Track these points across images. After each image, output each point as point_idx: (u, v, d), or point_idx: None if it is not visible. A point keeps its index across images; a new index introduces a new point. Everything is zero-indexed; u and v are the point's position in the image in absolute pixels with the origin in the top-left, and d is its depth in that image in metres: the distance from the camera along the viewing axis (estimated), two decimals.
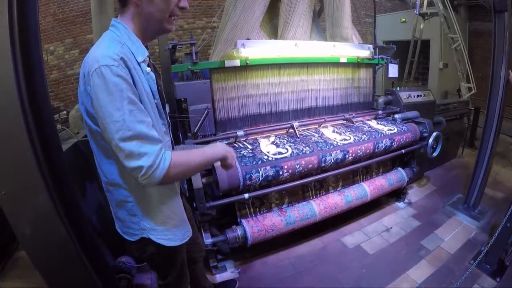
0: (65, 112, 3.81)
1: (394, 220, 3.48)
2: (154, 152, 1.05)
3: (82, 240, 1.13)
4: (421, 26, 7.77)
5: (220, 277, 2.62)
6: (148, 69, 1.22)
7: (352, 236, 3.19)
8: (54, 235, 1.04)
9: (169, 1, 1.15)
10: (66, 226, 1.04)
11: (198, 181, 2.16)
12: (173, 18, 1.21)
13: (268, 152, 2.51)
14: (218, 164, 2.27)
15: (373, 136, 3.05)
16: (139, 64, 1.16)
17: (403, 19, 8.59)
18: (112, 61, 1.01)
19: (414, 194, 4.11)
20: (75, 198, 1.16)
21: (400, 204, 3.81)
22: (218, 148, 1.36)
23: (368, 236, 3.19)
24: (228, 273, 2.67)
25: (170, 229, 1.38)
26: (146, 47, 1.27)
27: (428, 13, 7.51)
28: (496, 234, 2.56)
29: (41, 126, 0.98)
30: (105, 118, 1.02)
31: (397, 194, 3.85)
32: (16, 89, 0.88)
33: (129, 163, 1.04)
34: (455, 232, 3.27)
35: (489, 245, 2.53)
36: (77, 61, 6.90)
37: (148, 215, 1.32)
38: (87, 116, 1.14)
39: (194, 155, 1.25)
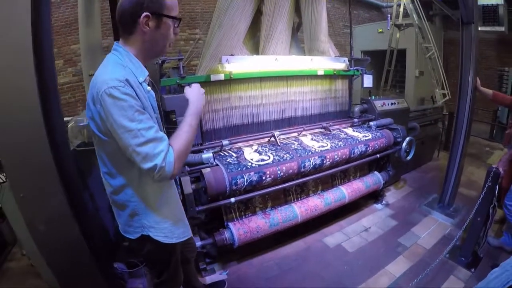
0: None
1: (373, 221, 3.66)
2: (164, 150, 1.23)
3: (92, 239, 1.28)
4: (397, 36, 8.06)
5: (209, 279, 2.70)
6: (149, 88, 1.40)
7: (333, 236, 3.35)
8: (68, 233, 1.19)
9: (170, 29, 1.35)
10: (79, 225, 1.18)
11: (188, 187, 2.31)
12: (169, 44, 1.41)
13: (252, 159, 2.68)
14: (206, 170, 2.46)
15: (349, 143, 3.25)
16: (140, 84, 1.32)
17: (380, 30, 8.82)
18: (119, 82, 1.18)
19: (392, 196, 4.31)
20: (85, 201, 1.30)
21: (378, 206, 4.00)
22: (196, 109, 1.47)
23: (348, 236, 3.36)
24: (217, 274, 2.77)
25: (167, 227, 1.53)
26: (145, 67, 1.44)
27: (404, 24, 7.79)
28: (464, 227, 2.77)
29: (55, 134, 1.14)
30: (120, 129, 1.19)
31: (375, 196, 4.05)
32: (40, 103, 1.04)
33: (146, 165, 1.22)
34: (431, 229, 3.46)
35: (457, 236, 2.71)
36: (61, 71, 6.75)
37: (148, 213, 1.47)
38: (96, 129, 1.31)
39: (184, 132, 1.36)
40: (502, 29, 7.37)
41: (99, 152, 1.40)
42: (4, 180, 2.70)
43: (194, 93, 1.54)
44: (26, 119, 1.11)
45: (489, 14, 7.36)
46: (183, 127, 1.38)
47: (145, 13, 1.25)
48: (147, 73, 1.40)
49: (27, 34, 1.04)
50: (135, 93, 1.24)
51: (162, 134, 1.29)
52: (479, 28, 7.05)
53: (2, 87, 1.05)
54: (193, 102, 1.50)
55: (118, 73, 1.22)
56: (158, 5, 1.27)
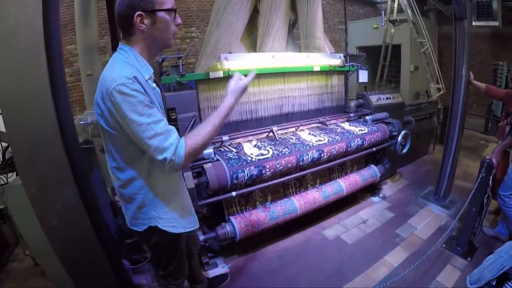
0: None
1: (370, 213, 3.73)
2: (174, 143, 1.28)
3: (101, 234, 1.32)
4: (392, 32, 8.13)
5: (212, 273, 2.77)
6: (154, 85, 1.45)
7: (332, 229, 3.42)
8: (79, 226, 1.23)
9: (168, 22, 1.38)
10: (90, 217, 1.22)
11: (190, 182, 2.36)
12: (173, 34, 1.44)
13: (252, 154, 2.73)
14: (208, 165, 2.51)
15: (346, 137, 3.31)
16: (146, 81, 1.36)
17: (375, 25, 8.89)
18: (128, 79, 1.23)
19: (388, 189, 4.38)
20: (94, 194, 1.35)
21: (375, 199, 4.07)
22: (230, 111, 1.48)
23: (347, 228, 3.43)
24: (219, 268, 2.83)
25: (175, 217, 1.58)
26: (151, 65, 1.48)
27: (398, 20, 7.86)
28: (458, 216, 2.84)
29: (66, 131, 1.18)
30: (131, 123, 1.24)
31: (372, 189, 4.12)
32: (53, 105, 1.09)
33: (157, 156, 1.27)
34: (427, 221, 3.54)
35: (452, 225, 2.80)
36: None
37: (156, 204, 1.52)
38: (106, 125, 1.35)
39: (205, 132, 1.38)
40: (496, 23, 7.45)
41: (108, 147, 1.44)
42: (6, 182, 2.73)
43: (238, 94, 1.53)
44: (39, 116, 1.14)
45: (483, 9, 7.42)
46: (206, 126, 1.40)
47: (137, 13, 1.29)
48: (152, 70, 1.44)
49: (40, 35, 1.09)
50: (143, 89, 1.29)
51: (171, 127, 1.33)
52: (473, 23, 7.17)
53: (17, 87, 1.09)
54: (231, 104, 1.50)
55: (126, 71, 1.27)
56: (149, 3, 1.31)
